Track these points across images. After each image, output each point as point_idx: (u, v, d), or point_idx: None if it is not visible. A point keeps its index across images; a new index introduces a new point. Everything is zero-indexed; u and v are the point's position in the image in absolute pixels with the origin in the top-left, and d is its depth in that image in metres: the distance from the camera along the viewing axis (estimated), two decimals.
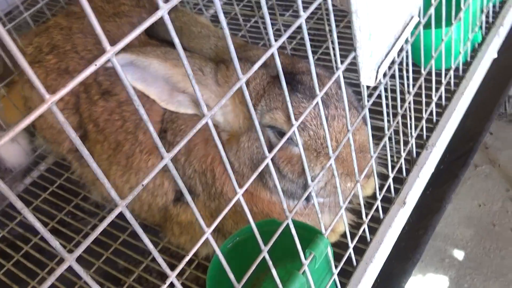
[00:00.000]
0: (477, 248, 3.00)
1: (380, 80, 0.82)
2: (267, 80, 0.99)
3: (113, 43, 1.29)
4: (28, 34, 1.38)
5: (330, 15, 0.68)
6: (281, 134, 0.97)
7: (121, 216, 0.49)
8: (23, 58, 0.35)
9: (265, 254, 0.70)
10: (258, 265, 1.02)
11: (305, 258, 0.78)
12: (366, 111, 0.83)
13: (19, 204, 0.39)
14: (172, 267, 1.19)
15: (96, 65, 0.42)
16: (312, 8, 0.63)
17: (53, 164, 1.61)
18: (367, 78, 0.78)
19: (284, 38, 0.60)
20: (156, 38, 1.20)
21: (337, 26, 1.69)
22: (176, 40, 0.47)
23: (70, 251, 0.43)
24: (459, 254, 3.04)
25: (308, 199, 1.03)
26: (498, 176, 3.32)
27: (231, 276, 0.66)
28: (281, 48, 1.52)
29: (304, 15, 0.62)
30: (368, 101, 0.82)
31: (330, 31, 0.82)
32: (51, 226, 1.39)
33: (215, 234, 1.15)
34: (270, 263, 0.71)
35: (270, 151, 1.01)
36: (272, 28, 0.57)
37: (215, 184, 1.07)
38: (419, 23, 0.94)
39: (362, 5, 0.70)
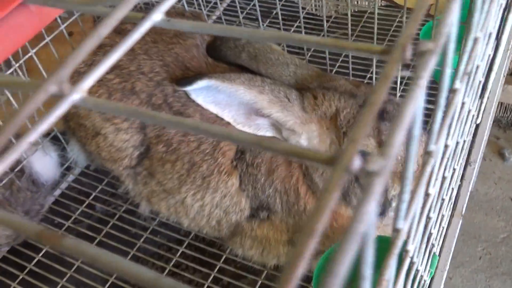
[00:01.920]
0: None
1: None
2: (357, 110, 1.08)
3: (184, 67, 1.34)
4: None
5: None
6: None
7: None
8: None
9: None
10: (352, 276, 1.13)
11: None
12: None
13: None
14: (239, 277, 1.26)
15: None
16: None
17: (79, 174, 1.60)
18: None
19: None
20: (223, 61, 1.25)
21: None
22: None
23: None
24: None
25: (383, 213, 1.15)
26: None
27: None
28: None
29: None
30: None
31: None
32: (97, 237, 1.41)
33: (287, 247, 1.23)
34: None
35: None
36: None
37: (299, 203, 1.15)
38: None
39: None
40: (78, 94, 0.24)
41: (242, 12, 1.96)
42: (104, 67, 0.26)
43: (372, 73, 1.56)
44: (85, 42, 0.26)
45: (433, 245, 0.81)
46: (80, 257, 0.22)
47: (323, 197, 0.19)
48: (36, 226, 0.23)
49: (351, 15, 2.01)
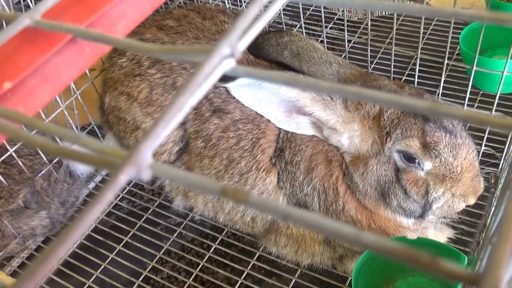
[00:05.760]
0: None
1: None
2: (401, 110, 1.08)
3: None
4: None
5: None
6: (409, 158, 1.07)
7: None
8: None
9: None
10: (385, 275, 1.12)
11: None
12: None
13: None
14: (272, 274, 1.25)
15: None
16: None
17: None
18: None
19: None
20: (264, 58, 1.26)
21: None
22: None
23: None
24: None
25: (423, 216, 1.14)
26: None
27: None
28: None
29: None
30: None
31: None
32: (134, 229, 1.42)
33: (322, 246, 1.23)
34: None
35: (396, 173, 1.12)
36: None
37: (337, 202, 1.15)
38: None
39: None
40: (230, 63, 0.25)
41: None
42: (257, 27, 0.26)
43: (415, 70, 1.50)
44: (249, 10, 0.26)
45: None
46: (268, 212, 0.23)
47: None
48: (218, 184, 0.23)
49: (382, 19, 2.01)
